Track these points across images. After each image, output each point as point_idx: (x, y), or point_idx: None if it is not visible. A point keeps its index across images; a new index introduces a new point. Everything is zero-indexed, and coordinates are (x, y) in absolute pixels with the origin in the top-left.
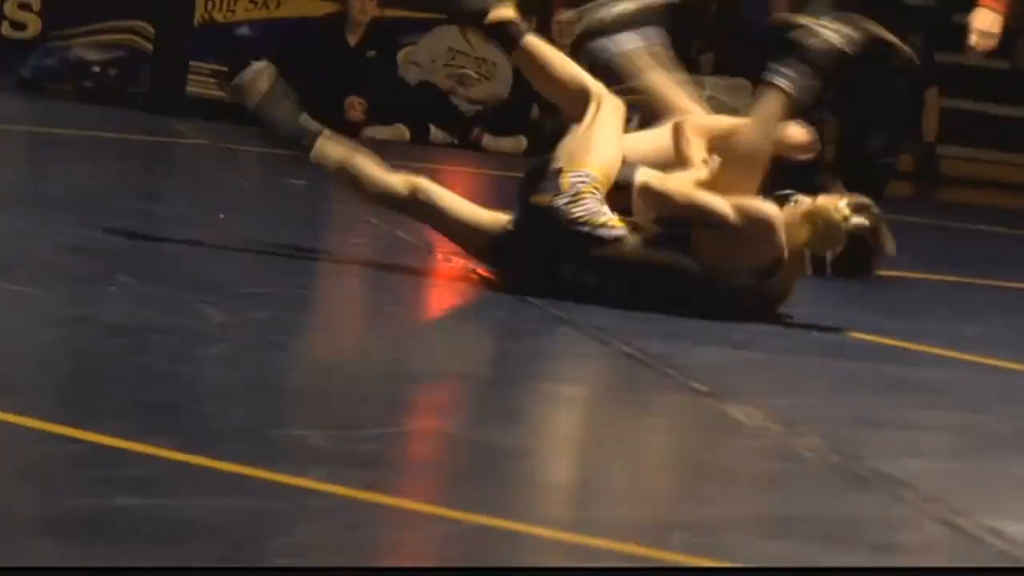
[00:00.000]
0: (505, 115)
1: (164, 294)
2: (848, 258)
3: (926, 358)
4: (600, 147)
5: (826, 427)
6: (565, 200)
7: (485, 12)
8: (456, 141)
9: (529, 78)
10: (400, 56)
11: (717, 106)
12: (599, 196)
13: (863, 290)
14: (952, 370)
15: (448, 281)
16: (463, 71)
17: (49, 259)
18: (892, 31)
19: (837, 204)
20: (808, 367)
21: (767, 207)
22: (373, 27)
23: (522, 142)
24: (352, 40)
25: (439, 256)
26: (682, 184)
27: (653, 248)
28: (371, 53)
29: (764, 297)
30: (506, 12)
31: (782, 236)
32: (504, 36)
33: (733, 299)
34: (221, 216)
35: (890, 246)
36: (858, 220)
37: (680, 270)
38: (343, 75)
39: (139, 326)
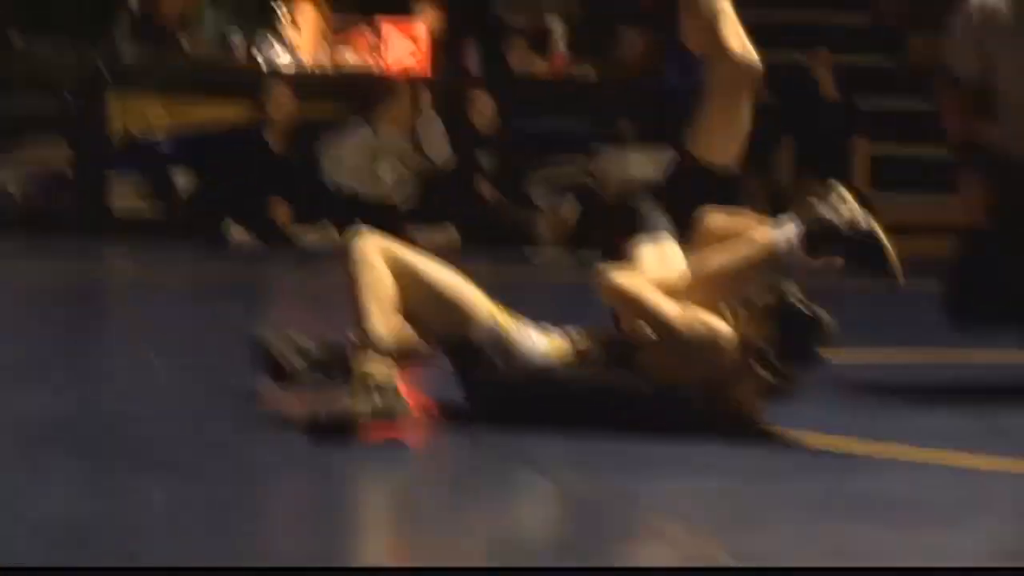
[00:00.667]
0: (433, 209)
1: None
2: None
3: (892, 464)
4: (470, 301)
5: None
6: (499, 359)
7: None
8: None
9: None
10: (321, 153)
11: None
12: (518, 327)
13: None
14: (922, 477)
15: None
16: (389, 177)
17: None
18: None
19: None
20: (770, 492)
21: (717, 323)
22: (293, 128)
23: (452, 231)
24: (273, 142)
25: None
26: (642, 284)
27: (598, 370)
28: (293, 154)
29: (721, 412)
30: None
31: (729, 354)
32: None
33: (688, 415)
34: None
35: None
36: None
37: (628, 390)
38: (266, 178)
39: None
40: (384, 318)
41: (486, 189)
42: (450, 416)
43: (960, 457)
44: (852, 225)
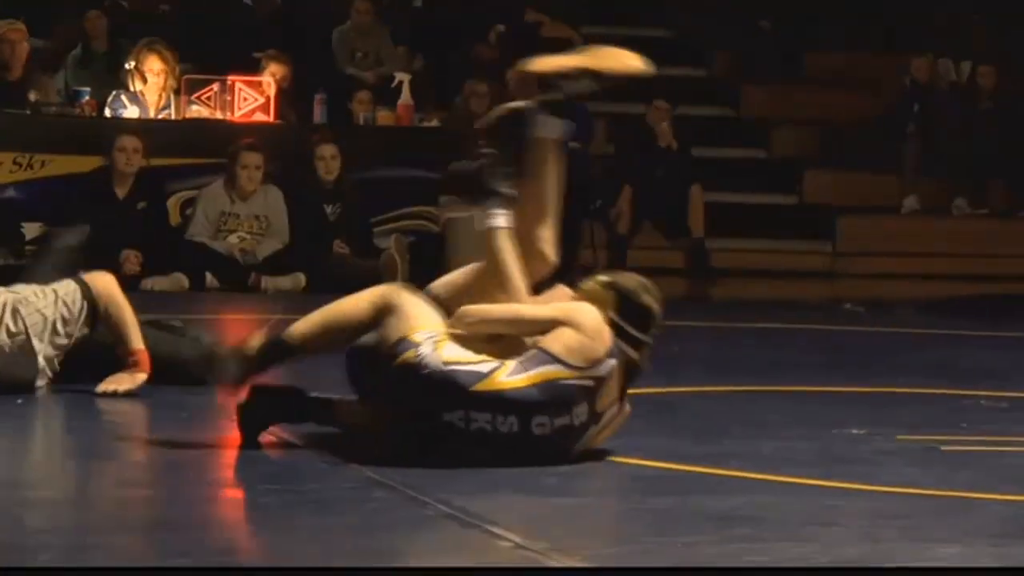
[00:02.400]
0: (282, 259)
1: None
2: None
3: (734, 484)
4: (420, 313)
5: None
6: (429, 349)
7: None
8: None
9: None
10: (170, 203)
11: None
12: (457, 344)
13: (658, 410)
14: (762, 495)
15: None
16: (239, 236)
17: None
18: None
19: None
20: (623, 509)
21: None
22: (140, 177)
23: (301, 279)
24: (120, 192)
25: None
26: (505, 306)
27: (530, 367)
28: (141, 204)
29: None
30: (255, 341)
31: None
32: (277, 351)
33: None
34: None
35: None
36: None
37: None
38: (115, 228)
39: None
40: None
41: (334, 241)
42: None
43: (803, 479)
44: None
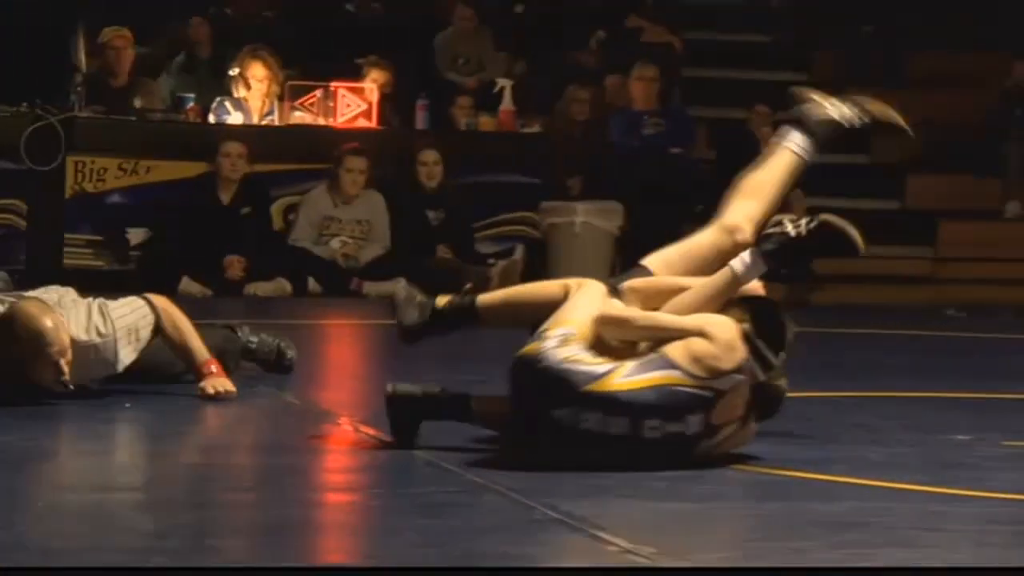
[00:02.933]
0: (384, 264)
1: None
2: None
3: (841, 489)
4: (579, 308)
5: None
6: (553, 344)
7: (431, 308)
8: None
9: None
10: (273, 208)
11: (590, 230)
12: (584, 345)
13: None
14: (869, 501)
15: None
16: (341, 240)
17: None
18: None
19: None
20: (730, 514)
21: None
22: (245, 183)
23: (402, 283)
24: (225, 198)
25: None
26: (644, 313)
27: (648, 371)
28: (245, 210)
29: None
30: (444, 297)
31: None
32: (462, 313)
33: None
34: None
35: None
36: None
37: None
38: (219, 234)
39: None
40: None
41: (438, 246)
42: None
43: (910, 486)
44: (849, 119)
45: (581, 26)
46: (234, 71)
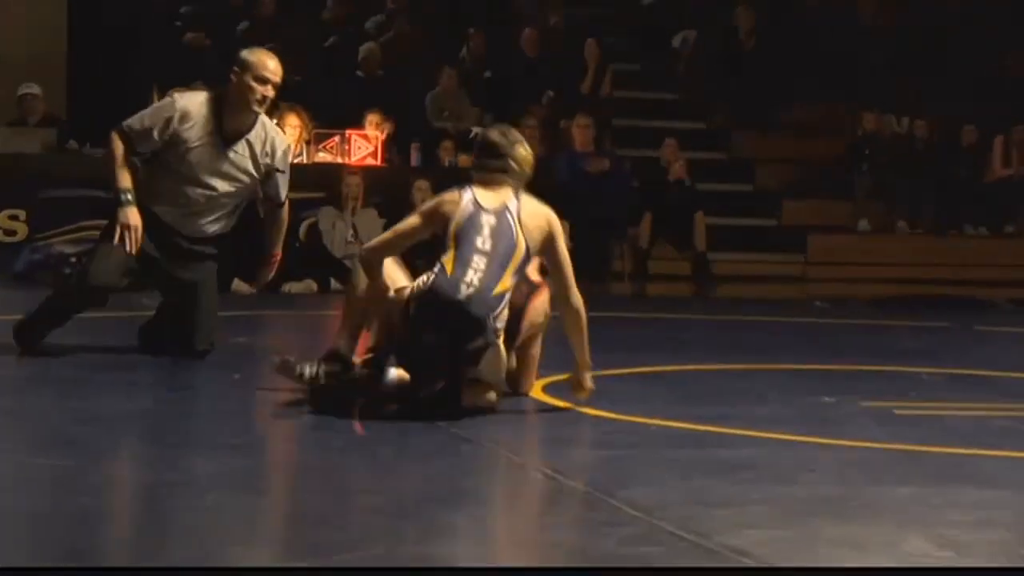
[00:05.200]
0: None
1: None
2: None
3: (736, 440)
4: None
5: (677, 511)
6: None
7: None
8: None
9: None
10: (301, 227)
11: None
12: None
13: (675, 383)
14: (758, 448)
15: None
16: (347, 241)
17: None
18: None
19: None
20: (652, 458)
21: None
22: None
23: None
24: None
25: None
26: None
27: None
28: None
29: None
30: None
31: None
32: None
33: None
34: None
35: None
36: None
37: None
38: (261, 245)
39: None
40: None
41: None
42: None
43: (789, 436)
44: None
45: (535, 87)
46: (274, 121)
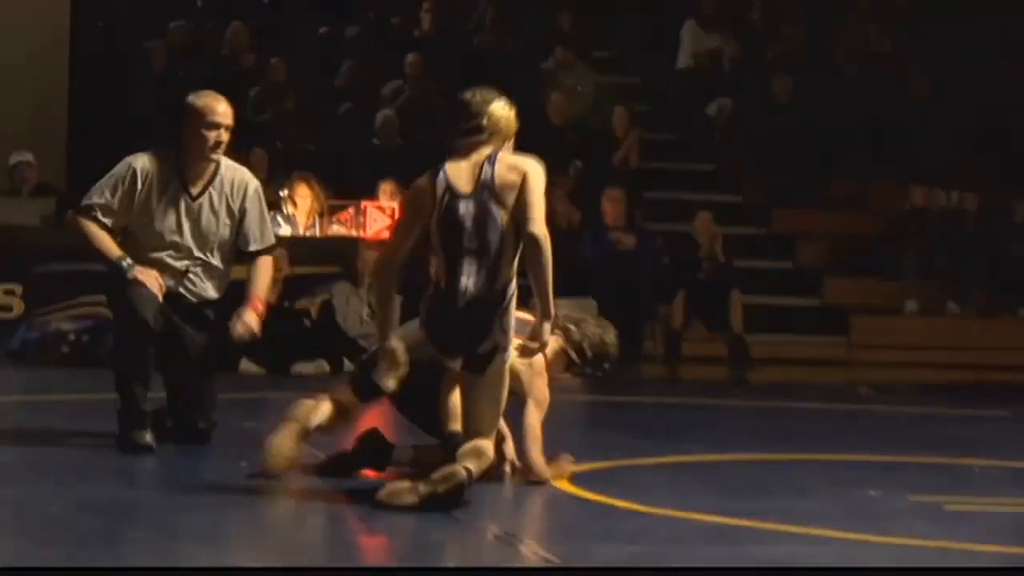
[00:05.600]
0: None
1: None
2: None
3: (776, 536)
4: None
5: None
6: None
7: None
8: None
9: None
10: (313, 304)
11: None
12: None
13: (704, 476)
14: (798, 546)
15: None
16: (362, 320)
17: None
18: None
19: None
20: (682, 555)
21: None
22: (287, 283)
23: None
24: (270, 297)
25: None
26: None
27: None
28: (287, 304)
29: None
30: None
31: None
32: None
33: None
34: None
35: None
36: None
37: None
38: (268, 324)
39: None
40: None
41: None
42: None
43: (835, 532)
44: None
45: (560, 157)
46: (284, 192)
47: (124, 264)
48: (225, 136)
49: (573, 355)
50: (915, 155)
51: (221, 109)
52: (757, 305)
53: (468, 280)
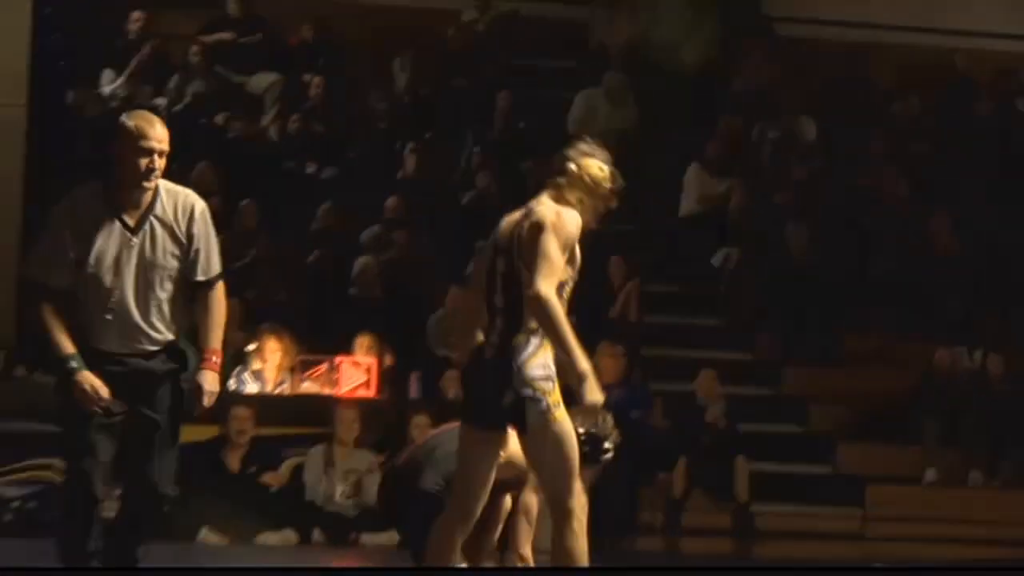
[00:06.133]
0: (378, 516)
1: None
2: None
3: None
4: None
5: None
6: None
7: None
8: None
9: None
10: (282, 467)
11: None
12: None
13: None
14: None
15: None
16: (340, 490)
17: None
18: None
19: None
20: None
21: None
22: (253, 446)
23: (395, 536)
24: (234, 459)
25: None
26: None
27: None
28: (252, 469)
29: None
30: None
31: None
32: None
33: None
34: None
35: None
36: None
37: None
38: (228, 494)
39: None
40: None
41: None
42: None
43: None
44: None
45: None
46: (252, 346)
47: (71, 365)
48: (159, 163)
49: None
50: (938, 311)
51: (156, 132)
52: (765, 473)
53: (495, 335)
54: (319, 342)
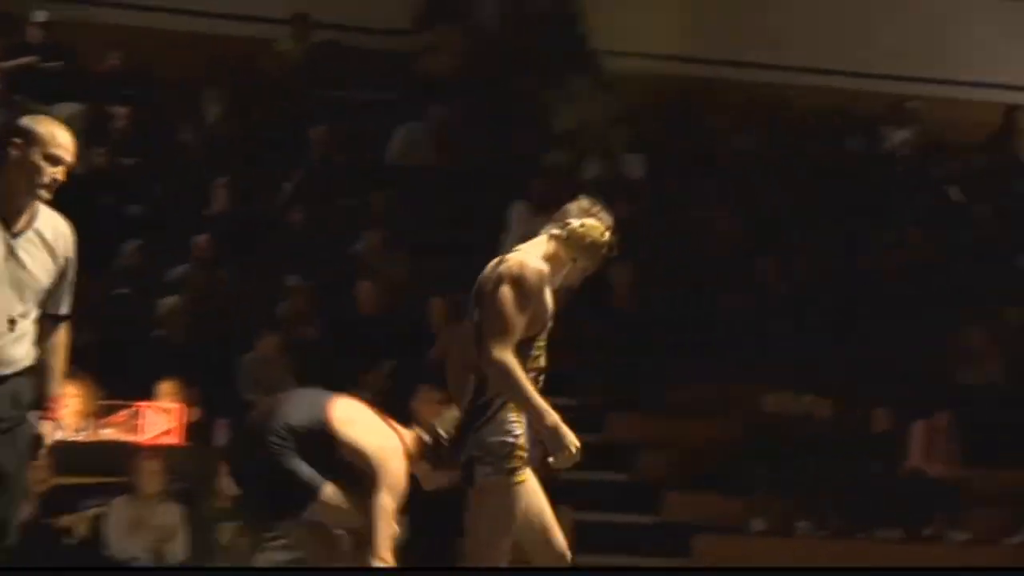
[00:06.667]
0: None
1: None
2: None
3: None
4: None
5: None
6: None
7: None
8: None
9: None
10: (83, 522)
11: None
12: None
13: None
14: None
15: None
16: (147, 542)
17: None
18: None
19: None
20: None
21: None
22: (50, 497)
23: None
24: (27, 507)
25: None
26: None
27: None
28: (48, 520)
29: None
30: None
31: None
32: None
33: None
34: None
35: None
36: None
37: None
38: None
39: None
40: None
41: None
42: None
43: None
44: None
45: (370, 352)
46: None
47: None
48: (63, 176)
49: (427, 439)
50: (767, 355)
51: (66, 141)
52: (589, 523)
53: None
54: (121, 386)
